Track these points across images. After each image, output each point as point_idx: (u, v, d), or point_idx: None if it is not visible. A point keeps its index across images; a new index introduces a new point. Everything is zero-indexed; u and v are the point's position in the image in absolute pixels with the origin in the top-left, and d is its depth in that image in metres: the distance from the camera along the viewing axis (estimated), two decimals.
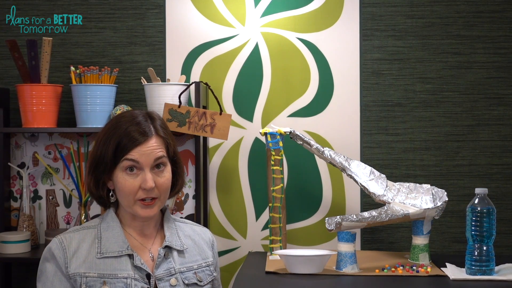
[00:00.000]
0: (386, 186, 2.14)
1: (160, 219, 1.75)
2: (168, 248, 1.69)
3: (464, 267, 1.94)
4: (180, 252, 1.71)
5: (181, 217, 2.47)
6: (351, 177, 2.16)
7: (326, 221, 2.01)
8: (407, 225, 2.46)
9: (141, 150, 1.61)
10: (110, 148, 1.61)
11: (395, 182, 2.24)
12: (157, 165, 1.64)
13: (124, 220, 1.70)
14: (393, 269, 2.02)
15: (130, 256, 1.64)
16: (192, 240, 1.76)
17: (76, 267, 1.60)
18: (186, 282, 1.68)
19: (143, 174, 1.61)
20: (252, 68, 2.49)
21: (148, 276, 1.63)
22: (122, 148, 1.61)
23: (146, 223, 1.70)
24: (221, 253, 2.51)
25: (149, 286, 1.62)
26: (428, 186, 2.14)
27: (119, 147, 1.61)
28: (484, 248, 1.88)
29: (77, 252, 1.62)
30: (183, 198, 2.50)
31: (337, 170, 2.45)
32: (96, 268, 1.61)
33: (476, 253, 1.89)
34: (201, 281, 1.71)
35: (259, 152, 2.49)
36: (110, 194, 1.67)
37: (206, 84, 2.36)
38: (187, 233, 1.77)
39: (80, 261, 1.61)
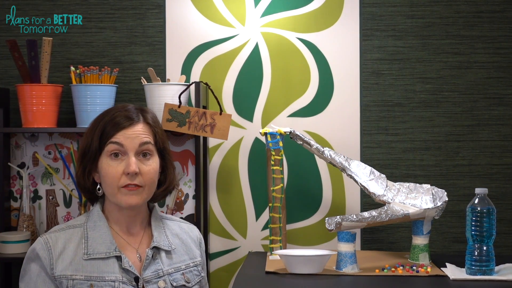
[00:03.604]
0: (386, 186, 2.14)
1: (148, 217, 1.71)
2: (156, 249, 1.66)
3: (464, 267, 1.94)
4: (168, 252, 1.68)
5: (181, 217, 2.47)
6: (351, 177, 2.16)
7: (326, 221, 2.01)
8: (407, 225, 2.46)
9: (126, 133, 1.60)
10: (96, 134, 1.61)
11: (395, 182, 2.24)
12: (143, 154, 1.62)
13: (111, 217, 1.66)
14: (393, 269, 2.02)
15: (118, 258, 1.60)
16: (180, 239, 1.73)
17: (62, 269, 1.56)
18: (175, 284, 1.65)
19: (127, 159, 1.59)
20: (252, 68, 2.49)
21: (137, 279, 1.59)
22: (108, 132, 1.60)
23: (132, 220, 1.66)
24: (221, 253, 2.51)
25: None
26: (428, 186, 2.14)
27: (105, 132, 1.61)
28: (484, 248, 1.88)
29: (63, 253, 1.58)
30: (183, 198, 2.50)
31: (337, 170, 2.45)
32: (83, 270, 1.57)
33: (476, 253, 1.89)
34: (189, 282, 1.68)
35: (259, 152, 2.49)
36: (97, 187, 1.64)
37: (206, 84, 2.36)
38: (174, 232, 1.73)
39: (67, 263, 1.57)
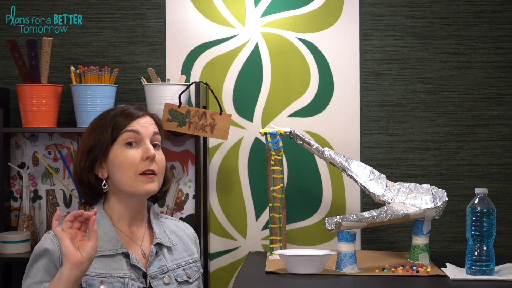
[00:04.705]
0: (386, 186, 2.14)
1: (147, 215, 1.74)
2: (159, 245, 1.68)
3: (464, 267, 1.94)
4: (169, 249, 1.70)
5: (181, 217, 2.48)
6: (351, 177, 2.16)
7: (326, 221, 2.01)
8: (407, 225, 2.46)
9: (140, 122, 1.65)
10: (107, 127, 1.63)
11: (395, 182, 2.24)
12: (154, 144, 1.65)
13: (113, 215, 1.67)
14: (393, 269, 2.02)
15: (125, 255, 1.62)
16: (178, 236, 1.75)
17: None
18: (179, 279, 1.67)
19: (144, 145, 1.63)
20: (252, 68, 2.49)
21: (145, 275, 1.62)
22: (121, 122, 1.63)
23: (135, 215, 1.67)
24: (221, 253, 2.51)
25: (145, 286, 1.61)
26: (428, 186, 2.14)
27: (118, 123, 1.63)
28: (484, 248, 1.88)
29: None
30: (183, 198, 2.50)
31: (337, 170, 2.45)
32: (93, 266, 1.57)
33: (476, 253, 1.89)
34: (190, 278, 1.71)
35: (259, 152, 2.49)
36: (103, 184, 1.65)
37: (206, 84, 2.36)
38: (171, 229, 1.76)
39: None
